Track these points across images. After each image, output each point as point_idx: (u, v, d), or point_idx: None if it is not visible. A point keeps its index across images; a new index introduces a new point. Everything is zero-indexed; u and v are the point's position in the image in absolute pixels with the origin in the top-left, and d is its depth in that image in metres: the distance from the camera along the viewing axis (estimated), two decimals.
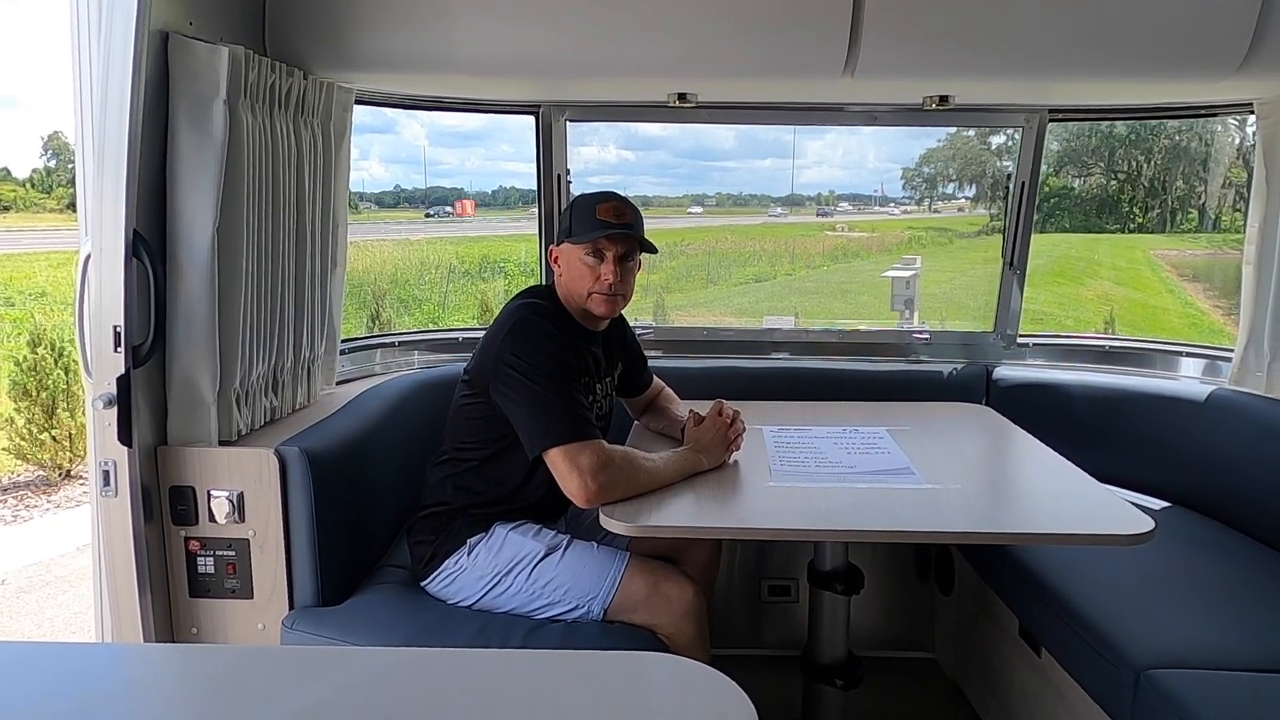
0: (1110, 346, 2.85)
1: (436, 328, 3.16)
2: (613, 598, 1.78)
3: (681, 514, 1.67)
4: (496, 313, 1.93)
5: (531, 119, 2.72)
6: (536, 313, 1.81)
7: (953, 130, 8.89)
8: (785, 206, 10.21)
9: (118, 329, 1.62)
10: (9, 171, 14.68)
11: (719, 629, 2.15)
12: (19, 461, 5.82)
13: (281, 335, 2.00)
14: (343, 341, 2.49)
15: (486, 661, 1.11)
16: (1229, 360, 2.51)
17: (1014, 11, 2.04)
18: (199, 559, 1.82)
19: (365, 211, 7.85)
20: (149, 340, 1.69)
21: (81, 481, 5.64)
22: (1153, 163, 9.03)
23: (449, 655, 1.21)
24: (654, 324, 3.00)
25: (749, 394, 2.40)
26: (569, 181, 2.77)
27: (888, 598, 2.73)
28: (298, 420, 2.05)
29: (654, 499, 1.68)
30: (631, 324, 2.25)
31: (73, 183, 2.04)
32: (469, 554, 1.83)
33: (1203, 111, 2.65)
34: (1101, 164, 9.21)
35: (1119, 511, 1.65)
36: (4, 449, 5.85)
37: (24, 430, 5.64)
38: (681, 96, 2.34)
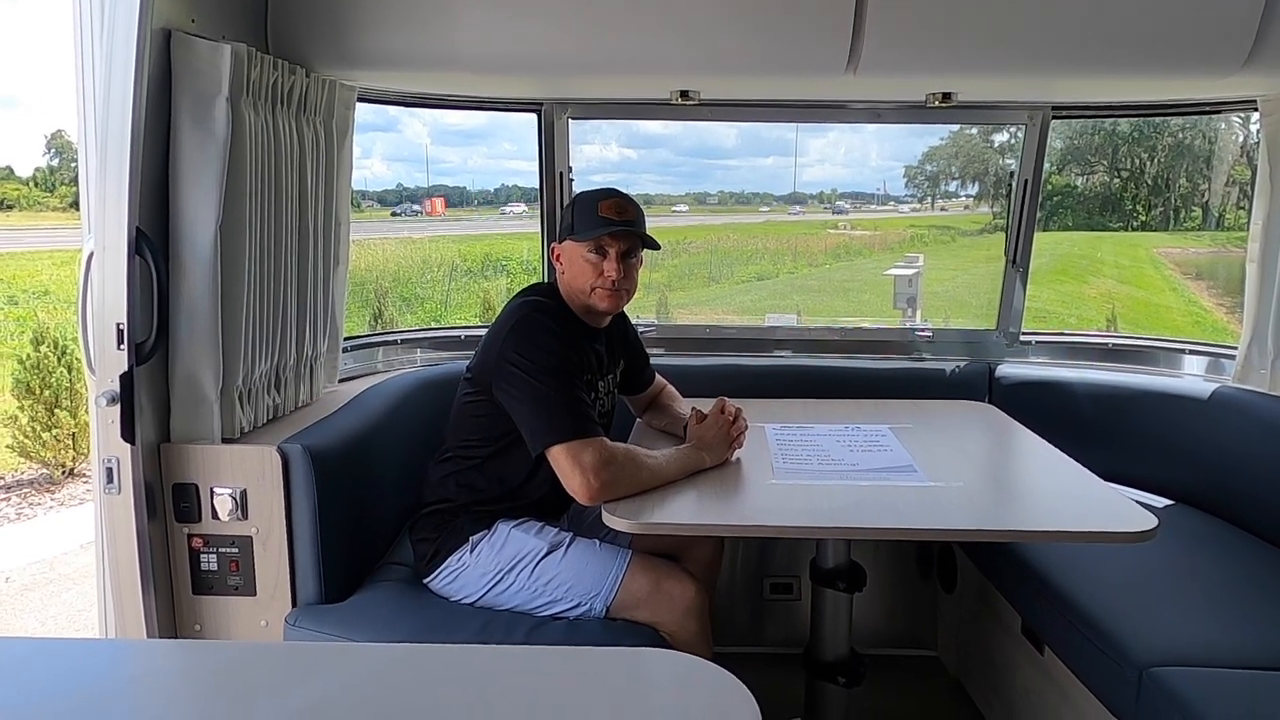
0: (1113, 344, 2.84)
1: (439, 325, 3.16)
2: (615, 595, 1.78)
3: (684, 511, 1.67)
4: (499, 310, 1.93)
5: (534, 117, 2.72)
6: (539, 310, 1.81)
7: (956, 128, 8.87)
8: (798, 205, 10.18)
9: (121, 326, 1.62)
10: (12, 170, 14.74)
11: (721, 627, 2.15)
12: (23, 459, 5.84)
13: (284, 333, 2.01)
14: (345, 339, 2.49)
15: (489, 658, 1.11)
16: (1233, 358, 2.51)
17: (1017, 8, 2.03)
18: (202, 556, 1.82)
19: (368, 210, 7.84)
20: (152, 337, 1.69)
21: (85, 479, 5.65)
22: (1156, 160, 9.01)
23: (451, 652, 1.21)
24: (656, 322, 3.00)
25: (751, 392, 2.41)
26: (571, 179, 2.77)
27: (890, 595, 2.73)
28: (300, 418, 2.05)
29: (656, 496, 1.68)
30: (634, 322, 2.25)
31: (76, 181, 2.05)
32: (471, 551, 1.83)
33: (1206, 109, 2.65)
34: (1105, 162, 9.19)
35: (1122, 509, 1.65)
36: (8, 447, 5.87)
37: (27, 428, 5.66)
38: (684, 94, 2.34)
